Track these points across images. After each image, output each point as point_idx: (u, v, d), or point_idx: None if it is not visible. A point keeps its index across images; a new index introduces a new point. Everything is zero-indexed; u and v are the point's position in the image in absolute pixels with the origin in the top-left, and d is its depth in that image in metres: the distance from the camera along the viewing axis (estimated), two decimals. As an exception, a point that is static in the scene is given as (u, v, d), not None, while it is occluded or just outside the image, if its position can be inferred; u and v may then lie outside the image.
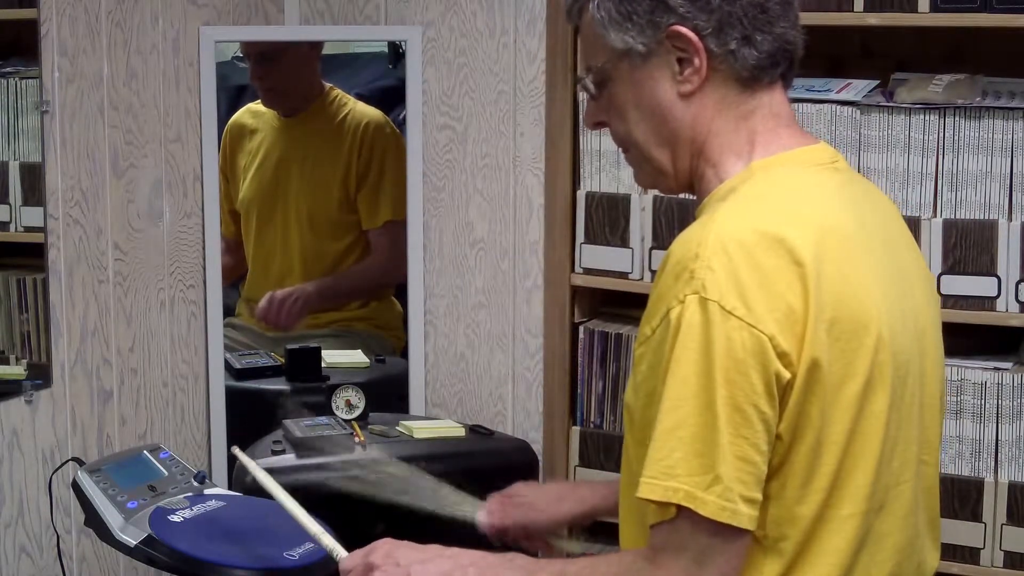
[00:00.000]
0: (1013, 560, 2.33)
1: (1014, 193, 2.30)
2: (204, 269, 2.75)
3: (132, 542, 1.94)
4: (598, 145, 2.63)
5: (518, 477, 2.04)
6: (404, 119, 2.86)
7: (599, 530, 1.98)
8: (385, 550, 1.67)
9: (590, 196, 2.64)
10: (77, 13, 2.42)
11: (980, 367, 2.34)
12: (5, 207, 2.37)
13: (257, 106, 3.09)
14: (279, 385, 2.86)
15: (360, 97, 3.09)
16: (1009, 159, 2.30)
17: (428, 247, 2.87)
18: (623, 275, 2.62)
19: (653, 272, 2.52)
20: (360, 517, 2.10)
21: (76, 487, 2.04)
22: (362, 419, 2.60)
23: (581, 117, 2.64)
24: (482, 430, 2.62)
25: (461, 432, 2.60)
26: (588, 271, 2.67)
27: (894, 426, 1.52)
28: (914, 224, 2.31)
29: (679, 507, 1.42)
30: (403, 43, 2.84)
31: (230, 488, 2.37)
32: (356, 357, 2.95)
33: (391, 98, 3.02)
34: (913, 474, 1.57)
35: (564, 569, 1.58)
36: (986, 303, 2.33)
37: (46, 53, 2.36)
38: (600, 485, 1.99)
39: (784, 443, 1.45)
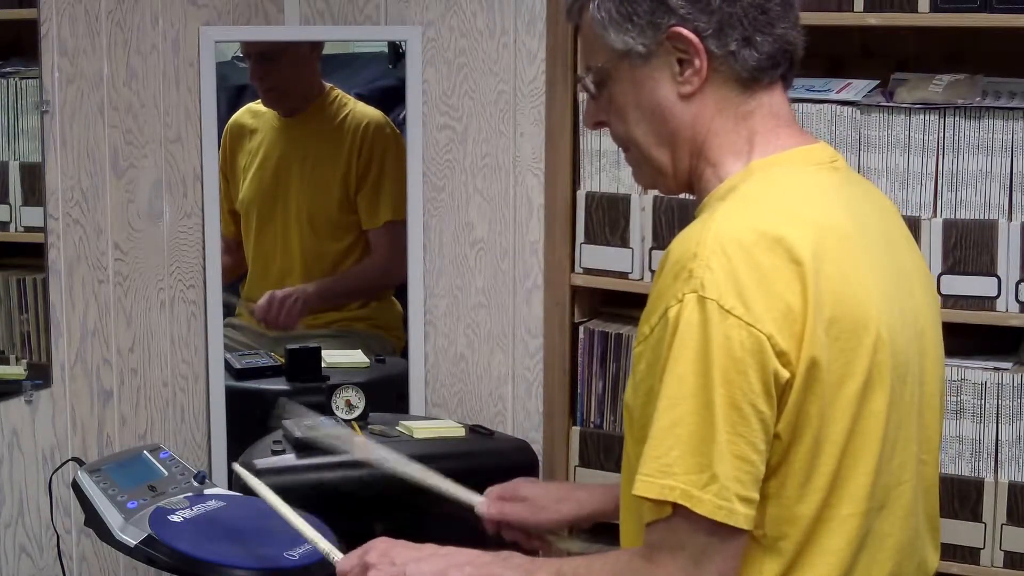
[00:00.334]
0: (1013, 560, 2.33)
1: (1014, 193, 2.30)
2: (204, 269, 2.75)
3: (132, 542, 1.94)
4: (598, 145, 2.63)
5: (518, 477, 2.04)
6: (404, 119, 2.86)
7: (600, 530, 1.98)
8: (381, 549, 1.67)
9: (590, 196, 2.64)
10: (77, 13, 2.42)
11: (980, 367, 2.34)
12: (5, 207, 2.37)
13: (257, 106, 3.09)
14: (279, 385, 2.86)
15: (360, 97, 3.09)
16: (1009, 159, 2.30)
17: (428, 247, 2.87)
18: (623, 275, 2.61)
19: (653, 272, 2.51)
20: (360, 516, 2.10)
21: (76, 487, 2.04)
22: (362, 419, 2.60)
23: (581, 117, 2.64)
24: (482, 430, 2.62)
25: (461, 432, 2.60)
26: (588, 271, 2.67)
27: (894, 426, 1.52)
28: (914, 224, 2.31)
29: (675, 505, 1.42)
30: (403, 43, 2.84)
31: (230, 488, 2.37)
32: (356, 357, 2.95)
33: (391, 98, 3.02)
34: (913, 474, 1.57)
35: (561, 568, 1.58)
36: (986, 303, 2.33)
37: (46, 53, 2.36)
38: (598, 489, 1.99)
39: (783, 442, 1.45)
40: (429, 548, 1.66)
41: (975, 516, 2.34)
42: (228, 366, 2.83)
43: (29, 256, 2.39)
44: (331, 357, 2.91)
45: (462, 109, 2.81)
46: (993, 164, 2.30)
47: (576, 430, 2.70)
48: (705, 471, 1.41)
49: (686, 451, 1.41)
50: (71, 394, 2.47)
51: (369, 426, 2.58)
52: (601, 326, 2.68)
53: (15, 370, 2.39)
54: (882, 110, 2.36)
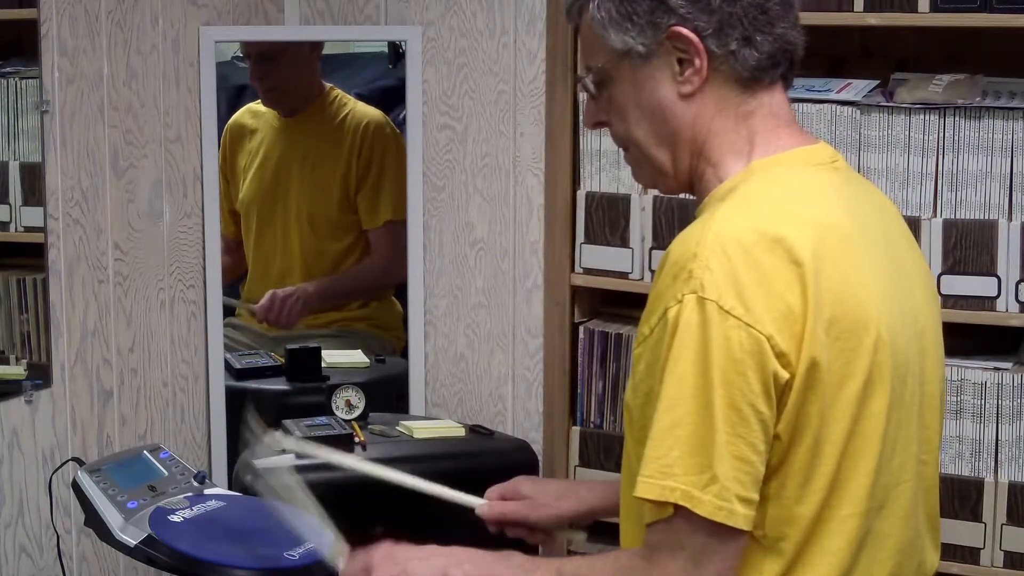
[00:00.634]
0: (1013, 560, 2.33)
1: (1014, 193, 2.30)
2: (204, 269, 2.75)
3: (132, 542, 1.94)
4: (598, 145, 2.63)
5: (517, 476, 2.04)
6: (404, 119, 2.86)
7: (601, 530, 1.98)
8: (383, 551, 1.68)
9: (590, 196, 2.64)
10: (77, 13, 2.42)
11: (980, 367, 2.34)
12: (5, 207, 2.37)
13: (257, 106, 3.09)
14: (279, 385, 2.86)
15: (360, 97, 3.09)
16: (1009, 159, 2.30)
17: (428, 247, 2.87)
18: (623, 275, 2.61)
19: (653, 272, 2.52)
20: (360, 516, 2.10)
21: (76, 487, 2.04)
22: (362, 419, 2.60)
23: (581, 117, 2.64)
24: (482, 430, 2.61)
25: (461, 432, 2.60)
26: (588, 271, 2.67)
27: (894, 426, 1.52)
28: (914, 224, 2.31)
29: (676, 506, 1.42)
30: (403, 43, 2.83)
31: (230, 488, 2.37)
32: (356, 357, 2.95)
33: (391, 98, 3.02)
34: (913, 474, 1.57)
35: (561, 567, 1.59)
36: (986, 303, 2.33)
37: (46, 53, 2.36)
38: (599, 485, 1.99)
39: (783, 443, 1.45)
40: (431, 548, 1.67)
41: (975, 516, 2.34)
42: (228, 366, 2.83)
43: (29, 256, 2.39)
44: (331, 357, 2.91)
45: (462, 109, 2.81)
46: (993, 164, 2.30)
47: (576, 430, 2.70)
48: (705, 472, 1.41)
49: (686, 452, 1.42)
50: (71, 394, 2.47)
51: (369, 426, 2.58)
52: (601, 326, 2.68)
53: (15, 370, 2.39)
54: (882, 110, 2.36)
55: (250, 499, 2.14)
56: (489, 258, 2.82)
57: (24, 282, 2.40)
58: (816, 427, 1.45)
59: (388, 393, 2.84)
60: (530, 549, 2.28)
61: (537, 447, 2.71)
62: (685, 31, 1.53)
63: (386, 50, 3.10)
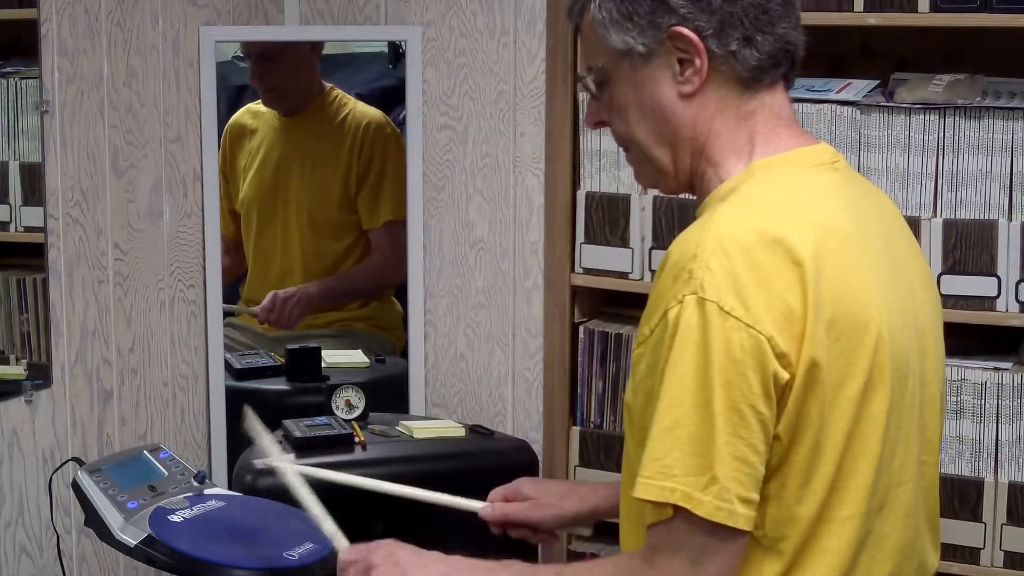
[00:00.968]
0: (1013, 560, 2.33)
1: (1014, 193, 2.30)
2: (204, 269, 2.75)
3: (132, 542, 1.94)
4: (598, 145, 2.63)
5: (518, 477, 2.04)
6: (404, 119, 2.86)
7: (603, 530, 1.98)
8: (387, 550, 1.68)
9: (590, 196, 2.64)
10: (77, 13, 2.42)
11: (980, 367, 2.34)
12: (5, 207, 2.37)
13: (257, 106, 3.09)
14: (279, 385, 2.86)
15: (360, 97, 3.09)
16: (1009, 159, 2.30)
17: (428, 247, 2.87)
18: (623, 275, 2.61)
19: (653, 272, 2.51)
20: (360, 516, 2.10)
21: (76, 487, 2.04)
22: (362, 419, 2.60)
23: (581, 117, 2.64)
24: (482, 430, 2.61)
25: (461, 432, 2.60)
26: (588, 271, 2.67)
27: (894, 426, 1.52)
28: (914, 224, 2.31)
29: (676, 507, 1.42)
30: (403, 43, 2.83)
31: (230, 488, 2.37)
32: (356, 357, 2.95)
33: (391, 98, 3.02)
34: (913, 474, 1.57)
35: (561, 572, 1.59)
36: (986, 303, 2.33)
37: (46, 53, 2.36)
38: (601, 486, 2.00)
39: (783, 443, 1.45)
40: (434, 555, 1.67)
41: (975, 516, 2.34)
42: (228, 366, 2.83)
43: (29, 256, 2.39)
44: (331, 357, 2.91)
45: (462, 109, 2.81)
46: (993, 164, 2.30)
47: (576, 430, 2.70)
48: (705, 473, 1.41)
49: (686, 453, 1.41)
50: (71, 394, 2.47)
51: (369, 426, 2.58)
52: (601, 326, 2.68)
53: (15, 370, 2.39)
54: (882, 110, 2.36)
55: (250, 499, 2.14)
56: (489, 258, 2.82)
57: (24, 282, 2.40)
58: (816, 428, 1.45)
59: (388, 393, 2.84)
60: (532, 550, 2.29)
61: (537, 447, 2.71)
62: (686, 31, 1.53)
63: (386, 50, 3.11)
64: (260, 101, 3.07)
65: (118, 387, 2.58)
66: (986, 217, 2.32)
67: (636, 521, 1.53)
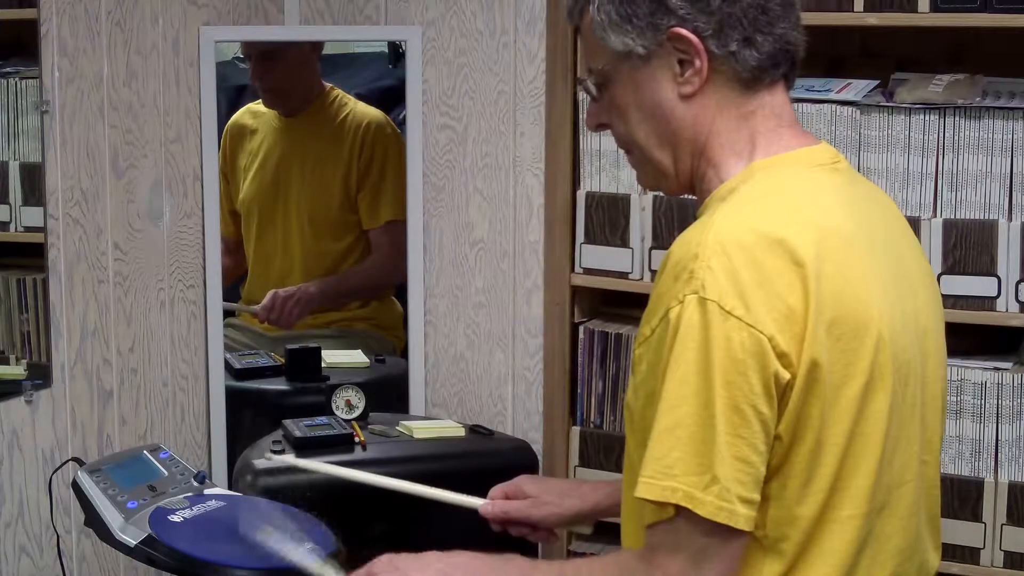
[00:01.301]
0: (1013, 560, 2.33)
1: (1014, 193, 2.30)
2: (204, 269, 2.75)
3: (132, 542, 1.94)
4: (598, 145, 2.63)
5: (518, 476, 2.04)
6: (404, 119, 2.86)
7: (603, 529, 1.98)
8: (385, 560, 1.68)
9: (590, 196, 2.64)
10: (77, 13, 2.42)
11: (980, 367, 2.34)
12: (5, 207, 2.37)
13: (257, 106, 3.09)
14: (279, 385, 2.86)
15: (360, 97, 3.09)
16: (1009, 159, 2.30)
17: (428, 247, 2.87)
18: (623, 275, 2.61)
19: (653, 272, 2.53)
20: (360, 516, 2.10)
21: (76, 487, 2.04)
22: (362, 419, 2.60)
23: (581, 117, 2.64)
24: (482, 430, 2.61)
25: (461, 432, 2.60)
26: (588, 271, 2.67)
27: (895, 427, 1.52)
28: (914, 224, 2.31)
29: (677, 507, 1.42)
30: (403, 43, 2.83)
31: (230, 488, 2.37)
32: (356, 357, 2.95)
33: (391, 98, 3.02)
34: (915, 474, 1.57)
35: (562, 569, 1.59)
36: (986, 303, 2.33)
37: (46, 53, 2.36)
38: (602, 484, 2.00)
39: (784, 444, 1.45)
40: (431, 555, 1.67)
41: (975, 516, 2.34)
42: (228, 366, 2.83)
43: (29, 256, 2.39)
44: (331, 357, 2.91)
45: (462, 109, 2.81)
46: (993, 164, 2.30)
47: (576, 430, 2.70)
48: (706, 473, 1.41)
49: (687, 453, 1.42)
50: (71, 394, 2.47)
51: (369, 426, 2.58)
52: (601, 326, 2.68)
53: (15, 370, 2.39)
54: (882, 110, 2.36)
55: (250, 499, 2.14)
56: (489, 258, 2.82)
57: (24, 282, 2.40)
58: (817, 428, 1.45)
59: (388, 393, 2.84)
60: (532, 548, 2.29)
61: (537, 447, 2.71)
62: (685, 32, 1.53)
63: (386, 50, 3.11)
64: (260, 101, 3.07)
65: (118, 387, 2.58)
66: (986, 217, 2.32)
67: (637, 521, 1.53)
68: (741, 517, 1.42)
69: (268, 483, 2.29)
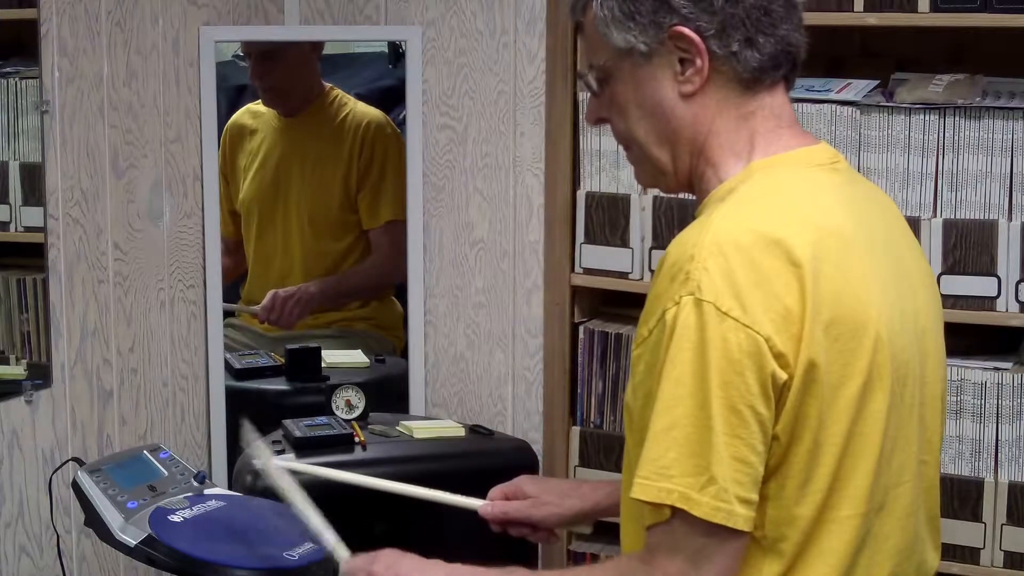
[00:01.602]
0: (1013, 560, 2.33)
1: (1014, 193, 2.30)
2: (204, 269, 2.75)
3: (132, 542, 1.94)
4: (598, 145, 2.63)
5: (518, 477, 2.04)
6: (404, 119, 2.86)
7: (604, 530, 1.98)
8: (388, 561, 1.68)
9: (590, 196, 2.64)
10: (77, 13, 2.42)
11: (980, 367, 2.34)
12: (5, 207, 2.37)
13: (257, 106, 3.09)
14: (279, 385, 2.86)
15: (360, 97, 3.09)
16: (1009, 159, 2.30)
17: (428, 247, 2.87)
18: (623, 275, 2.62)
19: (653, 272, 2.52)
20: (360, 517, 2.10)
21: (76, 487, 2.04)
22: (362, 419, 2.60)
23: (581, 117, 2.64)
24: (482, 430, 2.61)
25: (461, 432, 2.60)
26: (588, 271, 2.67)
27: (893, 427, 1.52)
28: (914, 224, 2.31)
29: (674, 508, 1.42)
30: (403, 43, 2.83)
31: (230, 488, 2.37)
32: (356, 357, 2.95)
33: (391, 98, 3.02)
34: (913, 475, 1.57)
35: (563, 577, 1.59)
36: (986, 303, 2.33)
37: (46, 53, 2.36)
38: (602, 484, 2.00)
39: (782, 444, 1.45)
40: (434, 564, 1.67)
41: (975, 516, 2.34)
42: (228, 366, 2.83)
43: (29, 256, 2.39)
44: (331, 357, 2.91)
45: (462, 109, 2.81)
46: (993, 164, 2.30)
47: (576, 430, 2.70)
48: (703, 473, 1.41)
49: (683, 454, 1.41)
50: (71, 394, 2.47)
51: (369, 426, 2.58)
52: (601, 326, 2.68)
53: (15, 370, 2.39)
54: (882, 110, 2.36)
55: (250, 499, 2.14)
56: (489, 258, 2.82)
57: (24, 282, 2.40)
58: (815, 428, 1.45)
59: (388, 393, 2.84)
60: (532, 550, 2.29)
61: (537, 447, 2.71)
62: (687, 31, 1.53)
63: (386, 50, 3.11)
64: (260, 101, 3.07)
65: (118, 387, 2.58)
66: (986, 217, 2.32)
67: (636, 522, 1.53)
68: (740, 517, 1.42)
69: (268, 483, 2.29)
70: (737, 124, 1.57)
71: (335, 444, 2.45)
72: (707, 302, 1.41)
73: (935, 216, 2.35)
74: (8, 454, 2.35)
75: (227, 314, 2.88)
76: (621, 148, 1.66)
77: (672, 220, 2.54)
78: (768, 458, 1.45)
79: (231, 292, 2.97)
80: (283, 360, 2.89)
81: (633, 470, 1.47)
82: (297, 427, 2.47)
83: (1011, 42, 2.39)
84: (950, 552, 2.30)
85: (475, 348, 2.85)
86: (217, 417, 2.78)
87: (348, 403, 2.62)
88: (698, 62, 1.54)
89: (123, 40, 2.53)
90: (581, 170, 2.66)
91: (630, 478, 1.50)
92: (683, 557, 1.44)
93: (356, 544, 1.79)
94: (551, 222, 2.71)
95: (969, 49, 2.51)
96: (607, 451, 2.65)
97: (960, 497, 2.34)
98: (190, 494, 2.07)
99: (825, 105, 2.40)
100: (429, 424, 2.63)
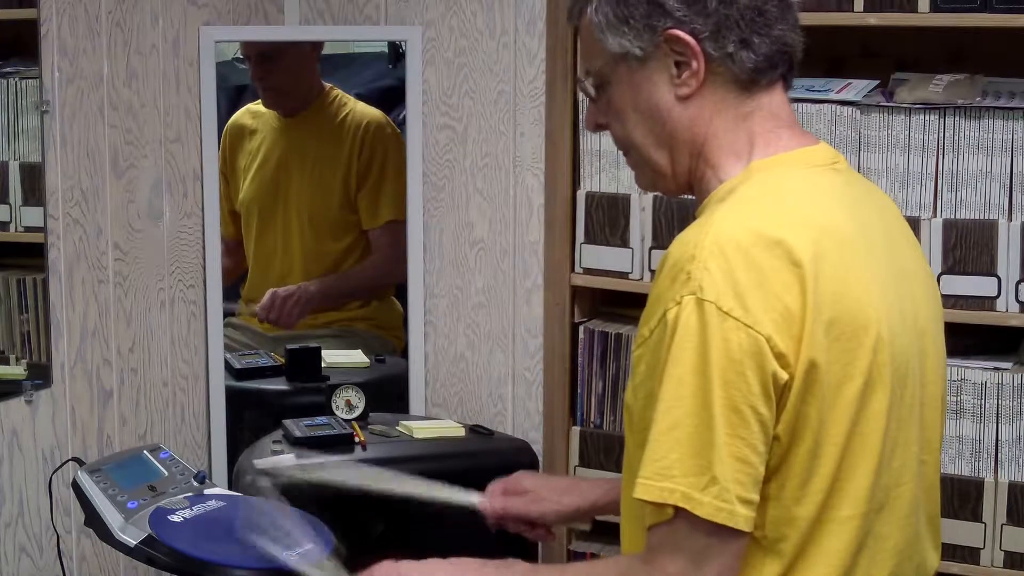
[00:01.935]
0: (1013, 560, 2.33)
1: (1014, 193, 2.30)
2: (204, 269, 2.75)
3: (132, 542, 1.93)
4: (598, 145, 2.63)
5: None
6: (404, 119, 2.86)
7: (603, 529, 1.98)
8: (386, 568, 1.68)
9: (590, 196, 2.64)
10: (77, 13, 2.42)
11: (980, 367, 2.34)
12: (5, 207, 2.38)
13: (257, 106, 3.09)
14: (279, 385, 2.86)
15: (360, 97, 3.09)
16: (1009, 159, 2.30)
17: (428, 247, 2.87)
18: (623, 275, 2.62)
19: (653, 272, 2.52)
20: (360, 516, 2.10)
21: (76, 487, 2.04)
22: (362, 419, 2.60)
23: (581, 117, 2.64)
24: (482, 430, 2.62)
25: (461, 432, 2.60)
26: (588, 271, 2.67)
27: (894, 427, 1.52)
28: (914, 224, 2.31)
29: (676, 508, 1.42)
30: (403, 43, 2.83)
31: (230, 488, 2.37)
32: (356, 357, 2.95)
33: (391, 98, 3.02)
34: (914, 475, 1.57)
35: (563, 573, 1.59)
36: (986, 303, 2.33)
37: (46, 53, 2.36)
38: (601, 481, 2.00)
39: (782, 444, 1.45)
40: (433, 561, 1.67)
41: (975, 516, 2.34)
42: (228, 366, 2.83)
43: (29, 256, 2.39)
44: (331, 357, 2.91)
45: (462, 109, 2.81)
46: (993, 164, 2.30)
47: (576, 430, 2.70)
48: (705, 473, 1.41)
49: (685, 454, 1.41)
50: (71, 394, 2.47)
51: (369, 426, 2.58)
52: (601, 326, 2.68)
53: (15, 370, 2.39)
54: (882, 110, 2.36)
55: (250, 499, 2.14)
56: (489, 258, 2.82)
57: (24, 282, 2.40)
58: (815, 428, 1.45)
59: (388, 393, 2.84)
60: (531, 549, 2.29)
61: (537, 447, 2.71)
62: (681, 34, 1.53)
63: (386, 50, 3.10)
64: (260, 101, 3.07)
65: (118, 387, 2.58)
66: (986, 217, 2.32)
67: (637, 522, 1.53)
68: (741, 517, 1.42)
69: (268, 484, 2.29)
70: (735, 125, 1.57)
71: (335, 444, 2.46)
72: (708, 302, 1.41)
73: (935, 216, 2.35)
74: (8, 454, 2.36)
75: (227, 314, 2.88)
76: (619, 149, 1.66)
77: (672, 220, 2.54)
78: (769, 458, 1.45)
79: (231, 292, 2.97)
80: (283, 360, 2.89)
81: (633, 470, 1.47)
82: (297, 427, 2.48)
83: (1011, 42, 2.39)
84: (950, 552, 2.30)
85: (475, 348, 2.85)
86: (217, 417, 2.78)
87: (348, 403, 2.62)
88: (694, 64, 1.54)
89: (123, 40, 2.53)
90: (581, 170, 2.66)
91: (630, 478, 1.50)
92: (685, 557, 1.44)
93: (356, 543, 1.79)
94: (551, 222, 2.71)
95: (969, 49, 2.51)
96: (607, 451, 2.65)
97: (960, 497, 2.34)
98: (190, 494, 2.07)
99: (825, 105, 2.40)
100: (429, 424, 2.64)
